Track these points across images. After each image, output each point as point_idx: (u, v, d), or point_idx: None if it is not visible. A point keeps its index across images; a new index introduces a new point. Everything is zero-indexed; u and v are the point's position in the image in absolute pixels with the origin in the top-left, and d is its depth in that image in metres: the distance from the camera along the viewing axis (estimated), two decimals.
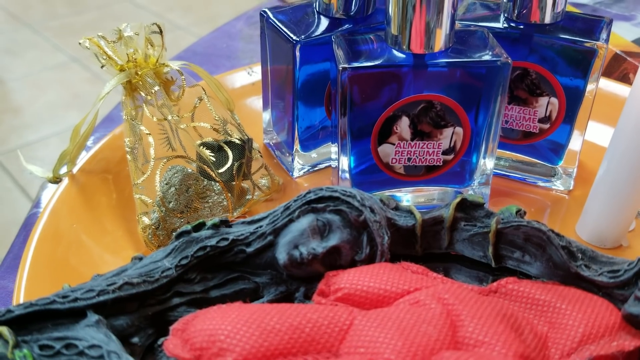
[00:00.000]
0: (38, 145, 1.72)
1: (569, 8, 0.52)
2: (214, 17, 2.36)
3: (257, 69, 0.45)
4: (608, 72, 0.47)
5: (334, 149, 0.36)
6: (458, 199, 0.29)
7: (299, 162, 0.39)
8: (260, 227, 0.27)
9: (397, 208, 0.29)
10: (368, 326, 0.22)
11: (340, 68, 0.31)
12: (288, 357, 0.21)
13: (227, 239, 0.26)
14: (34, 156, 1.68)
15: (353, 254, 0.27)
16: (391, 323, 0.22)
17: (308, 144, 0.39)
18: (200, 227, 0.26)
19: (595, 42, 0.33)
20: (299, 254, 0.26)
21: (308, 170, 0.39)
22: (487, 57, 0.31)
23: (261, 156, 0.37)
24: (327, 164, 0.40)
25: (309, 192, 0.28)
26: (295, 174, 0.39)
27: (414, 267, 0.28)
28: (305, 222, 0.27)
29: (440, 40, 0.31)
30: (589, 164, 0.39)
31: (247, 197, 0.36)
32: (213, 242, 0.26)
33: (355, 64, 0.31)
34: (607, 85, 0.43)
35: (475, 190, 0.36)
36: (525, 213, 0.29)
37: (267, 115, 0.40)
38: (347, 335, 0.22)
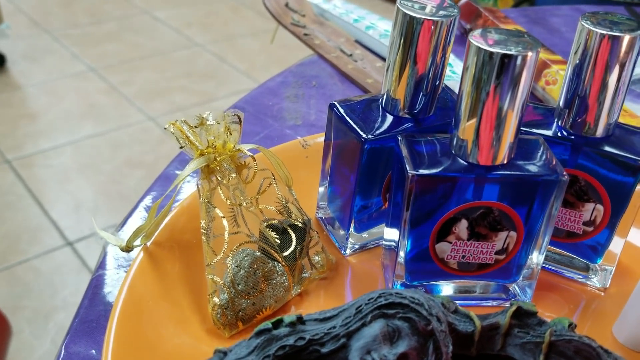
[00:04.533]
0: (52, 153, 1.74)
1: None
2: (232, 36, 2.40)
3: (310, 141, 0.47)
4: None
5: (389, 231, 0.38)
6: (514, 308, 0.31)
7: (351, 242, 0.41)
8: (334, 327, 0.29)
9: (456, 311, 0.32)
10: None
11: (410, 175, 0.33)
12: None
13: (304, 338, 0.28)
14: (47, 164, 1.70)
15: None
16: None
17: (361, 225, 0.41)
18: (278, 324, 0.28)
19: None
20: (371, 359, 0.28)
21: (358, 248, 0.41)
22: (544, 172, 0.34)
23: (318, 236, 0.39)
24: (376, 243, 0.42)
25: (379, 297, 0.30)
26: (348, 252, 0.41)
27: None
28: (377, 327, 0.29)
29: (503, 154, 0.33)
30: (626, 262, 0.41)
31: (304, 274, 0.38)
32: (291, 341, 0.28)
33: (422, 171, 0.33)
34: None
35: (519, 285, 0.38)
36: (575, 326, 0.31)
37: (322, 190, 0.42)
38: None
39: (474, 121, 0.33)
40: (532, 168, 0.34)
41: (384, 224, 0.40)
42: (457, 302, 0.38)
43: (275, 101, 0.59)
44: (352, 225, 0.40)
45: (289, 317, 0.29)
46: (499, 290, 0.39)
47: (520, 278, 0.38)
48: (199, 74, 2.12)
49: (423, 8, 0.35)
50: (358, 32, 0.72)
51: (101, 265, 0.40)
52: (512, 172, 0.33)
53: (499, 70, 0.31)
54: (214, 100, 1.96)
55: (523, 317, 0.31)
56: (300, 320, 0.29)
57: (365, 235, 0.41)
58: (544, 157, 0.35)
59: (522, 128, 0.38)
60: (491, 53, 0.31)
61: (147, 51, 2.27)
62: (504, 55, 0.30)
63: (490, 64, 0.31)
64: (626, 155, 0.36)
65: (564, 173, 0.34)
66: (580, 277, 0.41)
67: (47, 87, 2.02)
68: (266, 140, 0.53)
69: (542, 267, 0.41)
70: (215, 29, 2.47)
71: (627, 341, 0.36)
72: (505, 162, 0.34)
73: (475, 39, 0.31)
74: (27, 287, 1.33)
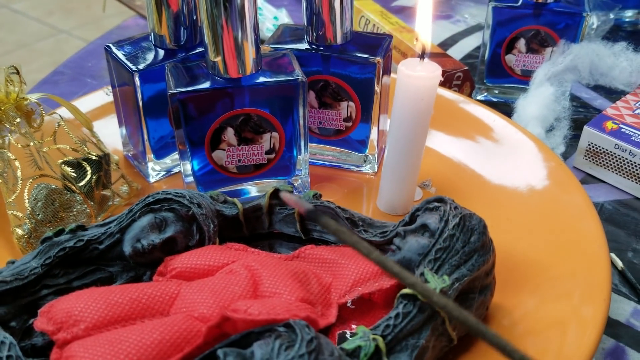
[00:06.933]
0: None
1: (382, 13, 0.62)
2: (97, 18, 2.34)
3: None
4: None
5: None
6: (271, 190, 0.38)
7: (155, 169, 0.46)
8: (110, 228, 0.34)
9: (225, 202, 0.38)
10: (190, 292, 0.31)
11: (170, 93, 0.38)
12: (128, 321, 0.29)
13: (82, 240, 0.33)
14: None
15: (187, 241, 0.35)
16: (207, 288, 0.31)
17: (161, 152, 0.46)
18: (60, 232, 0.33)
19: (375, 57, 0.43)
20: (140, 245, 0.33)
21: (164, 175, 0.47)
22: (288, 77, 0.40)
23: (118, 167, 0.44)
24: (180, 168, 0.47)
25: (148, 197, 0.35)
26: (152, 179, 0.46)
27: (237, 246, 0.36)
28: (145, 220, 0.34)
29: (249, 66, 0.39)
30: None
31: (109, 203, 0.43)
32: (71, 243, 0.33)
33: (180, 89, 0.38)
34: None
35: (302, 179, 0.45)
36: (320, 196, 0.38)
37: (123, 131, 0.47)
38: (175, 301, 0.30)
39: (216, 44, 0.38)
40: (276, 74, 0.40)
41: None
42: None
43: (94, 62, 0.63)
44: (149, 154, 0.45)
45: (69, 226, 0.34)
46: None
47: (300, 173, 0.45)
48: None
49: None
50: None
51: None
52: (259, 81, 0.40)
53: (224, 3, 0.36)
54: None
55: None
56: (81, 227, 0.34)
57: (168, 161, 0.47)
58: (287, 66, 0.41)
59: (278, 45, 0.44)
60: None
61: (10, 45, 2.18)
62: None
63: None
64: (362, 55, 0.43)
65: (303, 75, 0.40)
66: (357, 167, 0.48)
67: None
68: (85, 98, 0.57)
69: (328, 164, 0.48)
70: (79, 13, 2.40)
71: (385, 208, 0.44)
72: (254, 72, 0.40)
73: None
74: None
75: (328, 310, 0.32)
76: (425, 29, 0.37)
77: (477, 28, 0.71)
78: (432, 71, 0.38)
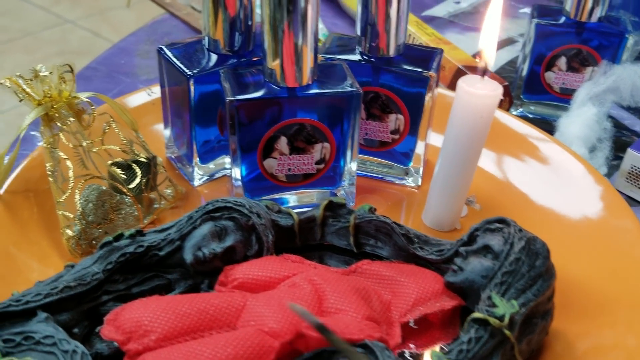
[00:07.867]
0: None
1: (417, 23, 0.62)
2: (103, 9, 2.32)
3: (156, 89, 0.51)
4: (452, 84, 0.58)
5: (228, 160, 0.43)
6: (326, 202, 0.38)
7: (199, 173, 0.45)
8: (169, 234, 0.34)
9: (279, 211, 0.37)
10: (257, 305, 0.30)
11: (228, 100, 0.38)
12: (197, 333, 0.28)
13: (142, 246, 0.33)
14: None
15: (245, 250, 0.35)
16: (274, 301, 0.30)
17: (206, 156, 0.46)
18: (119, 237, 0.33)
19: (428, 72, 0.42)
20: (202, 254, 0.33)
21: (207, 179, 0.46)
22: (344, 89, 0.40)
23: (165, 170, 0.43)
24: (223, 173, 0.47)
25: (207, 204, 0.35)
26: (196, 183, 0.46)
27: (293, 257, 0.36)
28: (205, 228, 0.34)
29: (306, 76, 0.39)
30: (434, 164, 0.49)
31: (155, 205, 0.42)
32: (131, 249, 0.33)
33: (239, 97, 0.38)
34: (446, 96, 0.53)
35: (345, 190, 0.45)
36: (375, 210, 0.38)
37: (168, 132, 0.47)
38: (241, 314, 0.30)
39: (277, 52, 0.38)
40: (333, 86, 0.40)
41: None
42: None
43: (127, 59, 0.62)
44: (195, 158, 0.44)
45: (129, 231, 0.33)
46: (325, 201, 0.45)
47: (346, 184, 0.44)
48: (73, 51, 2.05)
49: None
50: None
51: None
52: (315, 91, 0.39)
53: (288, 10, 0.36)
54: None
55: (335, 208, 0.38)
56: (140, 233, 0.34)
57: (211, 165, 0.46)
58: (343, 77, 0.41)
59: (330, 55, 0.44)
60: None
61: (15, 33, 2.16)
62: None
63: (280, 5, 0.36)
64: (415, 69, 0.43)
65: (359, 87, 0.40)
66: (399, 179, 0.48)
67: None
68: (119, 95, 0.56)
69: (370, 176, 0.48)
70: (86, 3, 2.38)
71: (431, 223, 0.44)
72: (310, 83, 0.39)
73: None
74: None
75: (392, 330, 0.32)
76: (490, 47, 0.37)
77: (509, 42, 0.71)
78: (493, 89, 0.37)
